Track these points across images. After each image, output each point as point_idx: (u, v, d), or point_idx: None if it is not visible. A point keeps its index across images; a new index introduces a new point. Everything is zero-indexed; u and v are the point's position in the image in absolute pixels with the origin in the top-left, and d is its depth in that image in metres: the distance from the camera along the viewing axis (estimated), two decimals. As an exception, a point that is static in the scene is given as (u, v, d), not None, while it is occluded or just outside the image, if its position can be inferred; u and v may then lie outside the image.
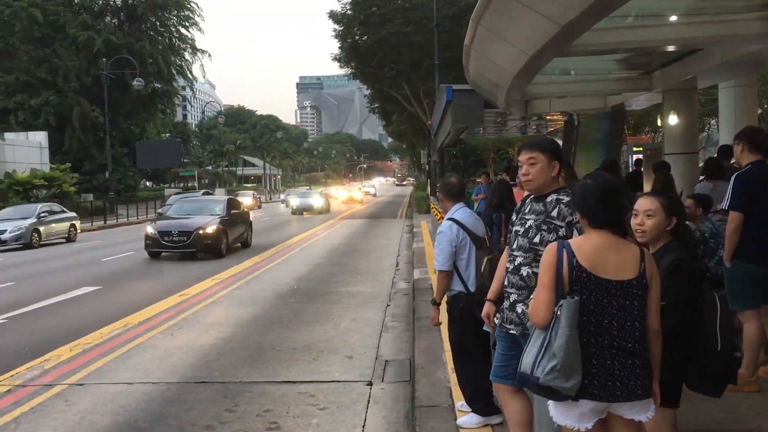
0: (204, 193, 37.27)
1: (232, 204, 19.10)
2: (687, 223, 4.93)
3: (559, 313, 2.75)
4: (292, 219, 34.09)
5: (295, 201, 39.50)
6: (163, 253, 17.10)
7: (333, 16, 36.46)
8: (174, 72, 56.85)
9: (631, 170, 11.15)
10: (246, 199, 43.95)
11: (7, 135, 39.16)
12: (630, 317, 2.79)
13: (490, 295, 3.87)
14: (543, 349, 2.78)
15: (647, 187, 8.65)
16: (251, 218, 20.61)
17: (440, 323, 5.02)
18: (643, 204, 3.35)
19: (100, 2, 53.47)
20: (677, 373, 3.25)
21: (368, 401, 5.78)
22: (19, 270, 15.79)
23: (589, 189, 2.93)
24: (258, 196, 54.85)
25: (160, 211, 21.13)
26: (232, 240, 17.99)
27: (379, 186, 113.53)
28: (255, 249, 18.69)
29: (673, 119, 11.15)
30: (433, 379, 5.78)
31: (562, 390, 2.73)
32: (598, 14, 5.31)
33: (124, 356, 7.49)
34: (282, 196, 62.21)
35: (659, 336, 2.91)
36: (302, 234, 23.93)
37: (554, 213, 3.45)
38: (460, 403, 4.98)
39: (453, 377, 5.43)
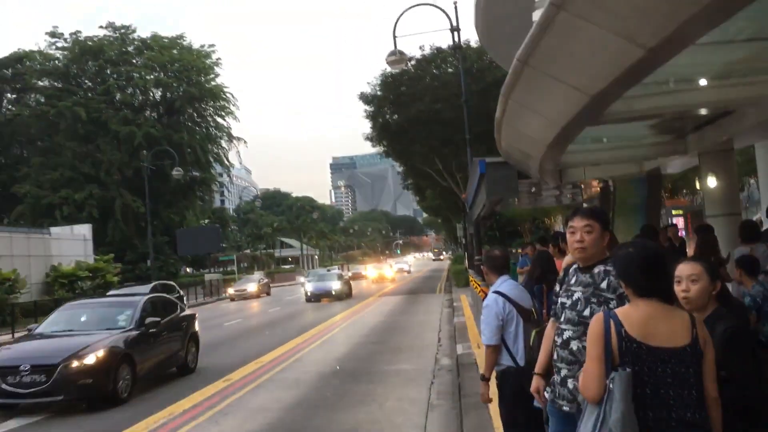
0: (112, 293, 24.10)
1: (155, 306, 12.11)
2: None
3: (611, 386, 2.68)
4: (306, 308, 28.84)
5: (309, 286, 32.99)
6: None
7: (363, 97, 37.39)
8: (211, 160, 58.55)
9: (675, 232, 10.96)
10: (249, 285, 41.75)
11: (53, 229, 40.38)
12: (686, 386, 2.71)
13: (538, 368, 3.79)
14: (599, 425, 2.69)
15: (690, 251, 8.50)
16: (197, 329, 13.37)
17: (491, 400, 4.89)
18: (685, 269, 3.27)
19: (140, 98, 55.77)
20: None
21: (419, 485, 5.61)
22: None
23: (631, 257, 2.88)
24: (265, 280, 46.55)
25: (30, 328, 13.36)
26: (149, 367, 11.14)
27: (415, 261, 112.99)
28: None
29: (711, 181, 11.03)
30: (485, 459, 5.59)
31: None
32: (626, 84, 5.36)
33: (170, 446, 7.40)
34: (302, 279, 49.80)
35: (718, 403, 2.80)
36: (316, 327, 19.42)
37: (603, 285, 3.39)
38: (515, 483, 4.81)
39: (506, 456, 5.25)
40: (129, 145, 49.87)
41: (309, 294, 31.80)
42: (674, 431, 2.67)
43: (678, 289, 3.25)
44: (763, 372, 3.20)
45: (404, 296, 31.76)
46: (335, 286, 31.65)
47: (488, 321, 4.62)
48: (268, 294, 43.32)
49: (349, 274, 54.90)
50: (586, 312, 3.39)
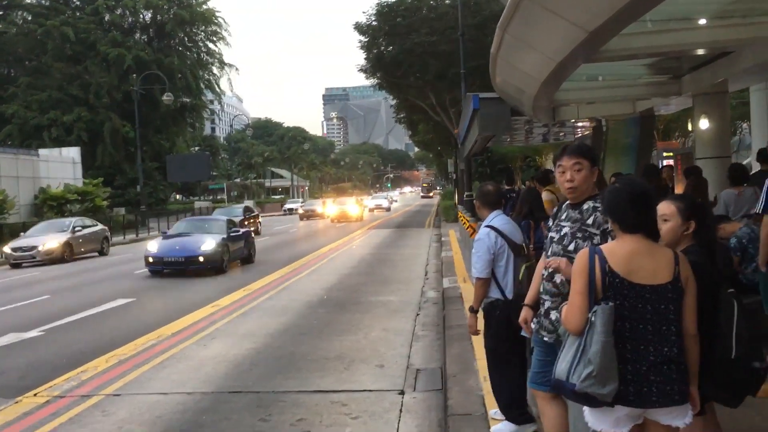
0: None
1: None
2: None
3: (593, 319, 2.74)
4: (294, 239, 29.52)
5: (153, 248, 17.20)
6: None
7: (358, 27, 36.66)
8: (202, 86, 57.68)
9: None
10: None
11: (42, 151, 40.01)
12: (666, 322, 2.77)
13: (528, 300, 3.87)
14: (578, 356, 2.77)
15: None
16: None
17: (478, 331, 4.97)
18: (660, 208, 3.29)
19: (130, 20, 54.46)
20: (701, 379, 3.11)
21: (400, 410, 5.79)
22: (54, 283, 16.08)
23: (619, 193, 2.90)
24: (257, 211, 38.56)
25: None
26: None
27: (401, 197, 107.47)
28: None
29: (704, 123, 11.02)
30: (465, 388, 5.76)
31: (599, 396, 2.71)
32: (625, 20, 5.28)
33: (159, 367, 7.59)
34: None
35: (697, 340, 2.87)
36: (305, 257, 21.43)
37: (590, 221, 3.44)
38: (494, 411, 4.97)
39: (486, 385, 5.42)
40: (118, 67, 48.96)
41: (151, 261, 16.60)
42: (651, 364, 2.74)
43: None
44: (719, 320, 3.09)
45: (393, 230, 31.99)
46: (206, 247, 16.42)
47: (480, 254, 4.67)
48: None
49: (300, 210, 51.49)
50: (571, 246, 3.45)
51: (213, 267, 16.38)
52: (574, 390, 2.76)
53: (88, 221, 25.49)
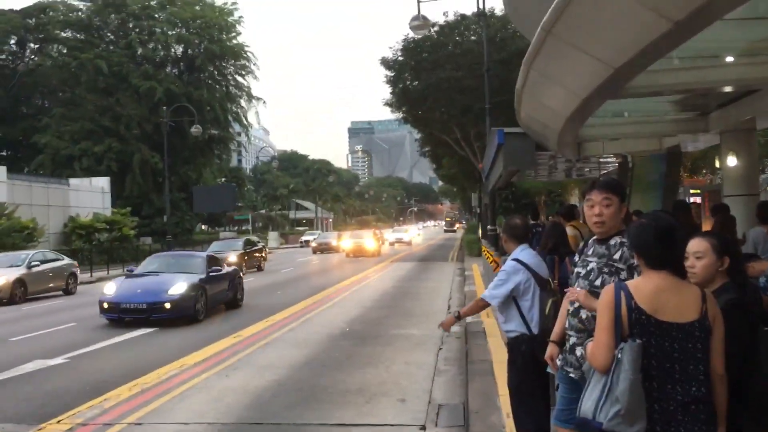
0: None
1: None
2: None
3: (620, 356, 2.71)
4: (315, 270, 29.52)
5: (109, 290, 14.66)
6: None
7: (385, 62, 37.11)
8: (230, 119, 58.57)
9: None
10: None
11: (72, 181, 40.80)
12: (693, 361, 2.72)
13: (554, 336, 3.83)
14: (605, 394, 2.73)
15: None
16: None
17: (448, 331, 5.13)
18: (692, 245, 3.27)
19: (162, 53, 55.65)
20: (733, 421, 3.09)
21: (422, 446, 5.72)
22: (81, 311, 16.23)
23: (645, 229, 2.89)
24: (261, 243, 33.82)
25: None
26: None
27: (424, 231, 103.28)
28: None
29: (732, 161, 10.91)
30: (487, 424, 5.68)
31: None
32: (651, 57, 5.30)
33: (181, 397, 7.60)
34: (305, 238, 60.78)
35: (725, 381, 2.82)
36: (327, 289, 20.59)
37: (617, 256, 3.42)
38: (517, 448, 4.89)
39: (509, 422, 5.34)
40: (149, 100, 49.93)
41: (105, 308, 13.51)
42: (678, 404, 2.69)
43: (686, 264, 3.26)
44: (758, 358, 3.15)
45: (416, 263, 31.91)
46: (174, 291, 13.46)
47: (501, 281, 4.64)
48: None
49: (313, 243, 48.07)
50: (598, 282, 3.43)
51: (183, 316, 13.22)
52: (601, 429, 2.71)
53: (50, 254, 21.91)
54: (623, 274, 3.35)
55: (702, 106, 10.51)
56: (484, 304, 4.71)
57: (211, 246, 29.82)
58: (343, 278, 23.21)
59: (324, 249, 45.03)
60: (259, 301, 17.16)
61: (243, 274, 20.64)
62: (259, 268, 29.09)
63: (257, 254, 30.02)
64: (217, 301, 14.94)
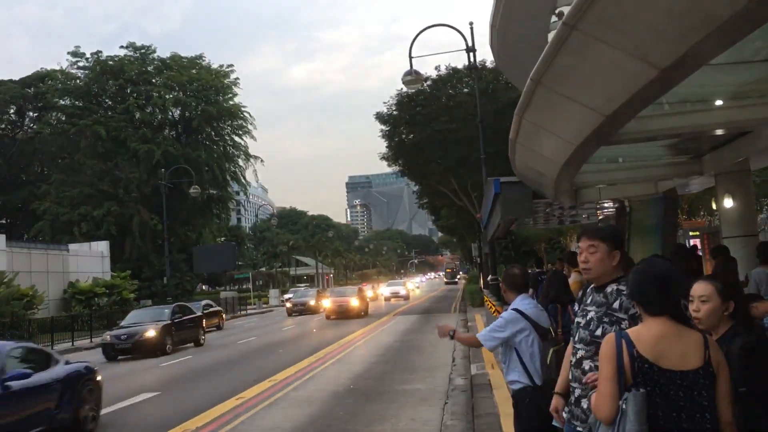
0: None
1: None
2: None
3: (624, 406, 2.66)
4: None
5: None
6: None
7: (379, 117, 37.61)
8: (228, 178, 59.05)
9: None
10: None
11: (72, 246, 40.82)
12: (700, 409, 2.67)
13: (558, 388, 3.76)
14: None
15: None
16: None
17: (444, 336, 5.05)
18: (697, 289, 3.25)
19: (159, 116, 56.45)
20: None
21: (431, 506, 5.56)
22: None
23: (642, 275, 2.88)
24: (215, 308, 33.35)
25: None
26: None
27: (428, 284, 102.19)
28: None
29: (728, 202, 10.95)
30: (497, 481, 5.54)
31: None
32: (640, 103, 5.36)
33: (183, 463, 7.41)
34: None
35: (733, 428, 2.76)
36: (331, 345, 18.96)
37: (616, 305, 3.37)
38: (528, 505, 4.75)
39: (518, 478, 5.20)
40: (147, 163, 50.41)
41: None
42: None
43: (690, 308, 3.23)
44: None
45: (419, 316, 31.66)
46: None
47: (498, 329, 4.61)
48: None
49: (287, 303, 41.49)
50: (598, 332, 3.38)
51: None
52: None
53: None
54: (624, 324, 3.27)
55: (695, 149, 10.59)
56: (476, 342, 4.69)
57: (128, 317, 23.14)
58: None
59: (302, 310, 38.57)
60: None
61: (169, 352, 20.05)
62: (197, 343, 22.99)
63: (192, 324, 23.16)
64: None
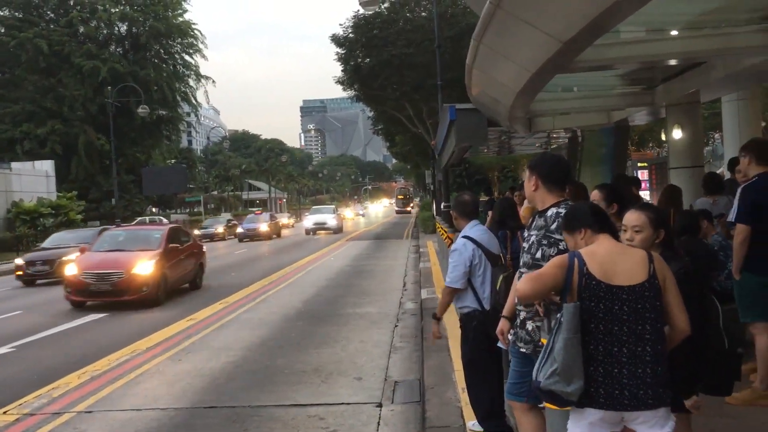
0: None
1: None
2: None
3: (561, 318, 2.78)
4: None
5: None
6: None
7: (335, 39, 36.75)
8: (178, 99, 57.29)
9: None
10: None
11: (14, 164, 39.45)
12: (641, 320, 2.78)
13: (505, 312, 3.84)
14: (546, 355, 2.81)
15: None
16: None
17: (440, 337, 5.15)
18: (630, 219, 3.36)
19: (105, 32, 54.03)
20: (689, 377, 3.23)
21: (378, 423, 5.72)
22: (26, 299, 15.78)
23: (580, 206, 3.16)
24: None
25: None
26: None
27: (375, 212, 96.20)
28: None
29: (677, 133, 11.13)
30: (443, 400, 5.72)
31: (563, 395, 2.74)
32: (598, 30, 5.31)
33: (132, 383, 7.45)
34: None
35: (686, 334, 2.93)
36: (283, 269, 22.33)
37: (554, 227, 3.43)
38: (472, 422, 4.93)
39: (464, 397, 5.38)
40: (93, 80, 48.53)
41: None
42: (623, 366, 2.75)
43: (623, 237, 3.32)
44: (709, 317, 3.41)
45: (371, 241, 31.94)
46: None
47: (456, 264, 4.64)
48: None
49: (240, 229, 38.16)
50: (538, 254, 3.44)
51: None
52: (539, 387, 2.78)
53: None
54: (562, 245, 3.35)
55: (648, 80, 10.65)
56: (450, 291, 4.70)
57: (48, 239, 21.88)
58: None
59: (252, 236, 37.19)
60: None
61: None
62: None
63: None
64: None
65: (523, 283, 2.98)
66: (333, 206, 46.28)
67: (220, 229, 41.29)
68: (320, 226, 40.15)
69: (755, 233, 4.93)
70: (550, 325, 3.07)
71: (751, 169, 5.13)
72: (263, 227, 37.97)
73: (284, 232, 44.41)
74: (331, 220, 40.49)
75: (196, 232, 35.01)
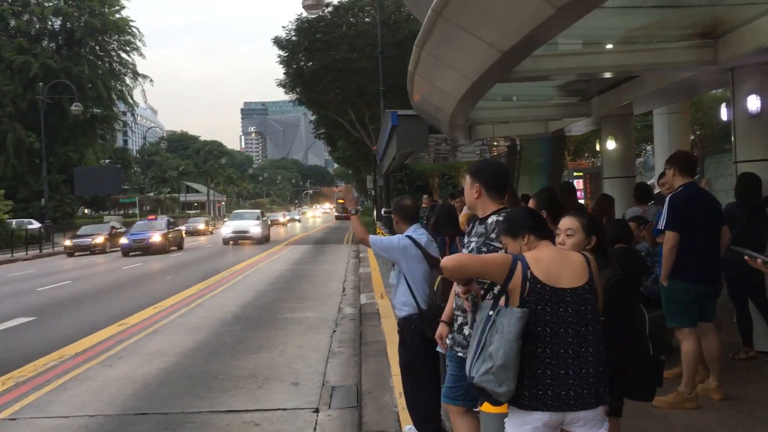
0: None
1: None
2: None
3: (495, 317, 2.81)
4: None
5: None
6: None
7: (278, 42, 36.49)
8: (114, 97, 55.64)
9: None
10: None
11: (-63, 161, 37.67)
12: (584, 322, 2.86)
13: (444, 316, 3.86)
14: (479, 351, 2.82)
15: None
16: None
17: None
18: (565, 223, 3.48)
19: (37, 26, 52.13)
20: (619, 382, 3.34)
21: (315, 428, 5.68)
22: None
23: (520, 211, 3.20)
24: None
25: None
26: None
27: (313, 219, 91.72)
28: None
29: (611, 144, 11.47)
30: (380, 404, 5.72)
31: (493, 394, 2.77)
32: (536, 41, 5.44)
33: (60, 389, 7.19)
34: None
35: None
36: (221, 273, 21.16)
37: (494, 234, 3.47)
38: (408, 426, 4.94)
39: (401, 401, 5.39)
40: (24, 75, 46.72)
41: None
42: (570, 367, 2.81)
43: (556, 241, 3.40)
44: (636, 322, 3.55)
45: (311, 246, 31.76)
46: None
47: (388, 242, 4.70)
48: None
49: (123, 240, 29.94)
50: None
51: None
52: (473, 383, 2.82)
53: None
54: (502, 252, 3.40)
55: (584, 91, 10.95)
56: (366, 241, 4.72)
57: None
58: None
59: (142, 248, 29.49)
60: None
61: None
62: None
63: None
64: None
65: (464, 256, 3.03)
66: (258, 211, 39.15)
67: (100, 239, 31.87)
68: (240, 235, 33.58)
69: (683, 241, 5.12)
70: (475, 319, 3.10)
71: (676, 180, 5.35)
72: (156, 237, 29.45)
73: (200, 239, 41.04)
74: (254, 228, 33.83)
75: (67, 243, 30.98)
